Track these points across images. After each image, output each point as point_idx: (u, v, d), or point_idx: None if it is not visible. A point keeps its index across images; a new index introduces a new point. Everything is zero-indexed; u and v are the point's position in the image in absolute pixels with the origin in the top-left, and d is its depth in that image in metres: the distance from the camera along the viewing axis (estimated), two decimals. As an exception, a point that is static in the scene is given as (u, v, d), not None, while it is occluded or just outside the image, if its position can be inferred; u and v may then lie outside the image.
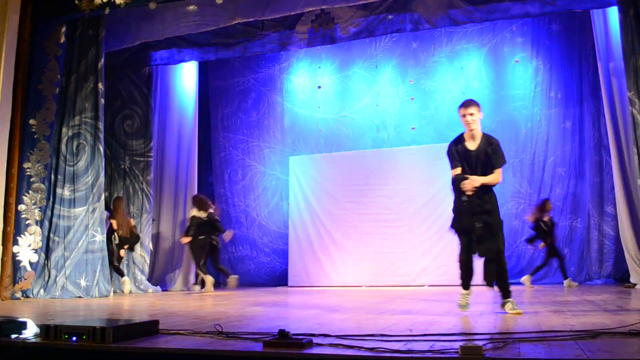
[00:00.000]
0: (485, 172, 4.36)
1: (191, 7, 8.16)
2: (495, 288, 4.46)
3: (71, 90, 8.26)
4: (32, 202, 7.81)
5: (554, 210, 9.39)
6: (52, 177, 8.03)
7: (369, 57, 10.82)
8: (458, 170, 4.42)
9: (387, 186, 10.06)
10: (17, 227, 7.64)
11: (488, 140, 4.42)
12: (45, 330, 3.12)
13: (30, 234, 7.72)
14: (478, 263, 4.50)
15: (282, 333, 2.78)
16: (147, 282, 9.07)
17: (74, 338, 2.99)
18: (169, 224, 9.93)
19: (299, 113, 11.21)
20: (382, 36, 10.12)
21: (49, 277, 7.69)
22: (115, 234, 8.77)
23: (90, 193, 8.05)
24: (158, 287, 9.19)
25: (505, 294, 4.42)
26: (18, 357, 3.02)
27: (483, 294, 7.00)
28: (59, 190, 8.00)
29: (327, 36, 8.52)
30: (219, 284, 10.73)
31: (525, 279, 8.22)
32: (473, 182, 4.26)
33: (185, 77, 10.54)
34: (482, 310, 4.64)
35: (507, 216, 9.59)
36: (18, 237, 7.61)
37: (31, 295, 7.50)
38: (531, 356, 2.41)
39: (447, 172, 8.89)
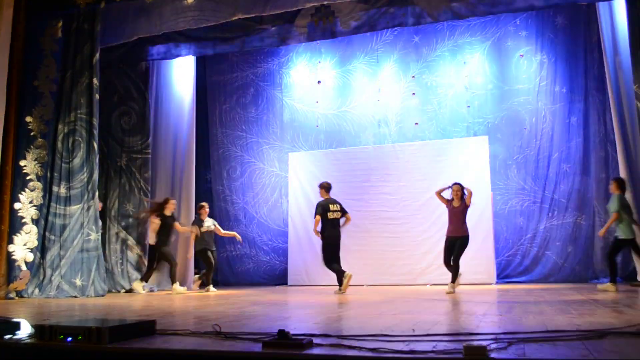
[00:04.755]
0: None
1: (189, 0, 8.13)
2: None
3: (67, 87, 8.25)
4: (29, 200, 7.81)
5: (558, 208, 9.40)
6: (49, 174, 8.03)
7: (370, 51, 10.79)
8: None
9: (389, 183, 10.04)
10: (12, 225, 7.63)
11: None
12: (40, 330, 3.11)
13: (26, 233, 7.71)
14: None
15: (282, 333, 2.76)
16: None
17: (69, 338, 2.98)
18: (166, 222, 9.90)
19: (298, 108, 11.19)
20: (384, 30, 10.09)
21: (44, 276, 7.69)
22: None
23: (86, 191, 8.05)
24: (154, 287, 9.18)
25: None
26: (12, 358, 3.01)
27: (488, 293, 7.01)
28: (55, 188, 7.99)
29: (327, 30, 8.49)
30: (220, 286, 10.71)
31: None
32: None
33: (182, 72, 10.51)
34: (486, 310, 4.63)
35: (512, 213, 9.60)
36: (14, 236, 7.60)
37: (25, 295, 7.50)
38: (536, 356, 2.39)
39: (450, 169, 8.90)
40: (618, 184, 7.38)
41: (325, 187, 8.30)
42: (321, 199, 8.19)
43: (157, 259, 8.81)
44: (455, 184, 7.62)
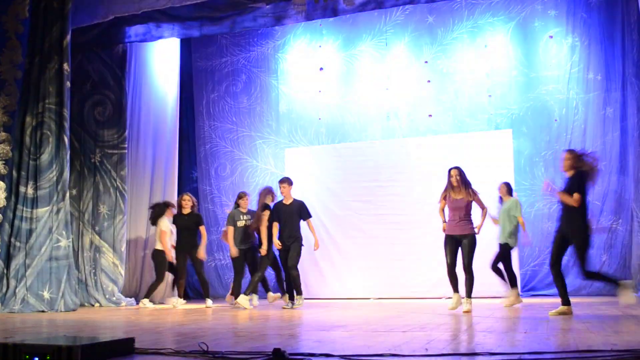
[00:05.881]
0: (295, 222, 8.16)
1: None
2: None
3: (35, 73, 8.24)
4: (-9, 202, 7.82)
5: (591, 212, 9.37)
6: (15, 173, 8.02)
7: (378, 33, 10.78)
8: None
9: (399, 183, 10.03)
10: (-28, 231, 7.64)
11: (297, 202, 8.16)
12: (3, 349, 3.11)
13: (-12, 240, 7.72)
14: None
15: (278, 352, 2.77)
16: (119, 293, 9.06)
17: (36, 358, 2.98)
18: (145, 227, 9.90)
19: (296, 98, 11.18)
20: (393, 8, 10.08)
21: (8, 288, 7.69)
22: None
23: (55, 191, 8.04)
24: (133, 300, 9.18)
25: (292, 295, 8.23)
26: (-29, 381, 3.02)
27: (511, 308, 7.01)
28: (22, 189, 7.98)
29: (329, 8, 8.48)
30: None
31: None
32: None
33: (165, 57, 10.50)
34: (508, 327, 4.63)
35: (538, 217, 9.60)
36: (-27, 243, 7.61)
37: (-14, 310, 7.51)
38: (566, 379, 2.40)
39: (469, 167, 8.86)
40: (509, 188, 8.00)
41: (291, 184, 8.33)
42: (284, 199, 8.22)
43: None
44: (453, 168, 7.03)
